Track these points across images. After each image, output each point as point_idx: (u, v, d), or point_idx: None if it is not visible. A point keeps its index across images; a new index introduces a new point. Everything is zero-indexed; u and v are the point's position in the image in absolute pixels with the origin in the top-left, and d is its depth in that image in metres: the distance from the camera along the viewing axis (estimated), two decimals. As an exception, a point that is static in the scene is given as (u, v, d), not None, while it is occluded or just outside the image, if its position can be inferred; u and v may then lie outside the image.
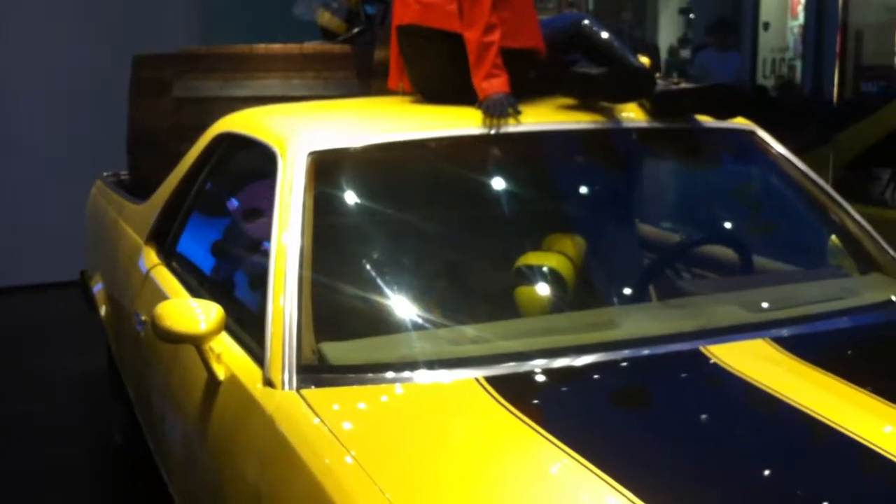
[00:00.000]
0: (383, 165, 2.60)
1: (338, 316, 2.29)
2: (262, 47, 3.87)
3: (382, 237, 2.57)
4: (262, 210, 2.64)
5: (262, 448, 2.00)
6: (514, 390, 1.98)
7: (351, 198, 2.58)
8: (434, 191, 2.73)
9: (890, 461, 1.73)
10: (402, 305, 2.35)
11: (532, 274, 2.55)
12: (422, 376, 2.05)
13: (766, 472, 1.77)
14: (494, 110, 2.61)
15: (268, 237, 2.32)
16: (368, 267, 2.48)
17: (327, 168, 2.46)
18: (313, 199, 2.36)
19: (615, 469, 1.68)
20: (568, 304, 2.50)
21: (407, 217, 2.63)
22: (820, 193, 2.79)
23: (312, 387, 2.02)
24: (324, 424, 1.88)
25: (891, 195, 5.31)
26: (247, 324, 2.36)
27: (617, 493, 1.62)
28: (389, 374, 2.05)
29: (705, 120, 2.81)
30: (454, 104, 2.73)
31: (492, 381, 2.01)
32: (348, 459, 1.76)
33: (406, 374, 2.05)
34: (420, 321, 2.29)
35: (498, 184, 2.78)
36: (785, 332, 2.25)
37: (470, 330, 2.21)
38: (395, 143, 2.56)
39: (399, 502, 1.62)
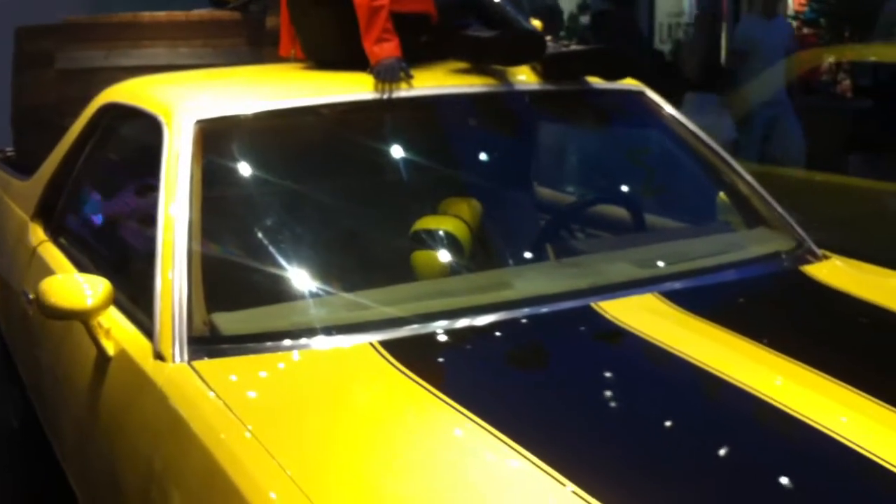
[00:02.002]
0: (274, 133, 2.57)
1: (230, 287, 2.26)
2: (147, 15, 3.78)
3: (275, 206, 2.54)
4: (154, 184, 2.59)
5: (155, 423, 1.97)
6: (409, 354, 1.99)
7: (241, 166, 2.54)
8: (327, 158, 2.70)
9: (780, 410, 1.77)
10: (295, 274, 2.33)
11: (428, 238, 2.55)
12: (315, 343, 2.04)
13: (663, 426, 1.80)
14: (386, 75, 2.59)
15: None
16: (261, 236, 2.45)
17: (215, 137, 2.42)
18: (201, 169, 2.32)
19: (513, 430, 1.69)
20: (464, 267, 2.51)
21: (299, 185, 2.60)
22: (707, 151, 2.84)
23: (205, 358, 1.99)
24: (218, 398, 1.86)
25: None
26: (137, 298, 2.31)
27: (517, 455, 1.63)
28: (282, 343, 2.04)
29: (595, 82, 2.84)
30: (346, 70, 2.70)
31: (386, 345, 2.01)
32: (246, 434, 1.73)
33: (299, 341, 2.04)
34: (314, 289, 2.27)
35: (392, 149, 2.77)
36: (673, 286, 2.31)
37: (364, 295, 2.20)
38: (285, 110, 2.52)
39: (299, 477, 1.60)
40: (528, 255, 2.60)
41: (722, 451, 1.72)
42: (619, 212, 2.94)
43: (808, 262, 2.51)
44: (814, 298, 2.40)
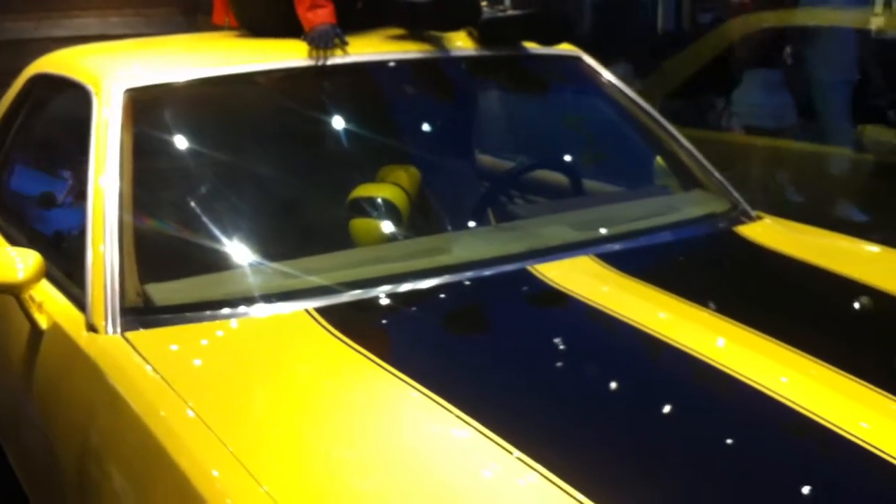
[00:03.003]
0: (206, 101, 2.54)
1: (165, 258, 2.24)
2: (78, -15, 3.70)
3: (209, 175, 2.51)
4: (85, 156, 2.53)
5: (90, 396, 1.96)
6: (346, 320, 1.99)
7: (173, 135, 2.51)
8: (261, 126, 2.67)
9: (720, 371, 1.78)
10: (230, 243, 2.31)
11: (366, 206, 2.53)
12: (250, 311, 2.03)
13: (605, 389, 1.81)
14: (320, 42, 2.57)
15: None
16: (196, 206, 2.42)
17: (146, 106, 2.38)
18: (132, 138, 2.28)
19: (454, 395, 1.69)
20: (402, 234, 2.51)
21: (234, 154, 2.57)
22: (644, 116, 2.86)
23: (139, 329, 1.97)
24: (155, 372, 1.83)
25: (726, 120, 5.51)
26: (70, 271, 2.28)
27: (459, 420, 1.62)
28: (217, 312, 2.02)
29: (532, 47, 2.83)
30: (280, 38, 2.66)
31: (323, 311, 2.01)
32: (187, 411, 1.70)
33: (233, 310, 2.03)
34: (250, 257, 2.25)
35: (328, 117, 2.75)
36: (609, 248, 2.32)
37: (301, 263, 2.19)
38: (217, 78, 2.49)
39: (241, 453, 1.56)
40: (466, 220, 2.60)
41: (664, 412, 1.73)
42: (558, 177, 2.95)
43: (743, 223, 2.54)
44: (748, 258, 2.44)
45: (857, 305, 2.14)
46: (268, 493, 1.45)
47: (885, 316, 2.11)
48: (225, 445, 1.58)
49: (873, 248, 2.52)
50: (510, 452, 1.52)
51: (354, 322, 2.01)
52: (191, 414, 1.68)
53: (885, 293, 2.14)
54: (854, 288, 2.18)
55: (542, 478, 1.46)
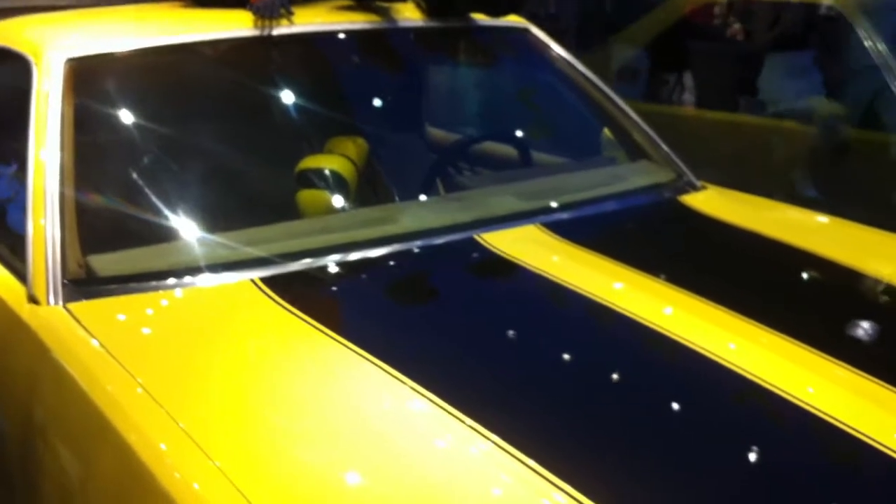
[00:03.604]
0: (150, 71, 2.48)
1: (108, 230, 2.19)
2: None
3: (153, 146, 2.46)
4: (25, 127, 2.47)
5: (32, 369, 1.91)
6: (292, 289, 1.96)
7: (116, 106, 2.45)
8: (206, 97, 2.63)
9: (669, 338, 1.78)
10: (175, 214, 2.26)
11: (313, 177, 2.51)
12: (196, 281, 2.00)
13: (555, 357, 1.80)
14: (265, 12, 2.53)
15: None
16: (140, 178, 2.37)
17: (88, 76, 2.32)
18: (73, 109, 2.23)
19: (404, 364, 1.67)
20: (350, 205, 2.48)
21: (179, 125, 2.52)
22: (592, 88, 2.86)
23: (81, 300, 1.93)
24: (101, 346, 1.78)
25: (678, 94, 5.54)
26: (13, 245, 2.23)
27: (409, 389, 1.60)
28: (161, 282, 1.99)
29: (480, 18, 2.82)
30: (226, 8, 2.62)
31: (268, 281, 1.98)
32: (136, 388, 1.65)
33: (178, 280, 1.99)
34: (194, 228, 2.22)
35: (274, 88, 2.70)
36: (555, 217, 2.32)
37: (247, 233, 2.16)
38: (161, 48, 2.44)
39: (190, 427, 1.52)
40: (414, 191, 2.58)
41: (613, 380, 1.73)
42: (506, 149, 2.94)
43: (688, 193, 2.55)
44: (693, 227, 2.45)
45: (801, 273, 2.16)
46: (220, 468, 1.41)
47: (828, 283, 2.14)
48: (173, 419, 1.54)
49: (817, 217, 2.54)
50: (462, 421, 1.50)
51: (301, 292, 1.98)
52: (138, 389, 1.64)
53: (829, 260, 2.15)
54: (798, 256, 2.19)
55: (494, 446, 1.44)
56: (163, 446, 1.51)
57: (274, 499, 1.35)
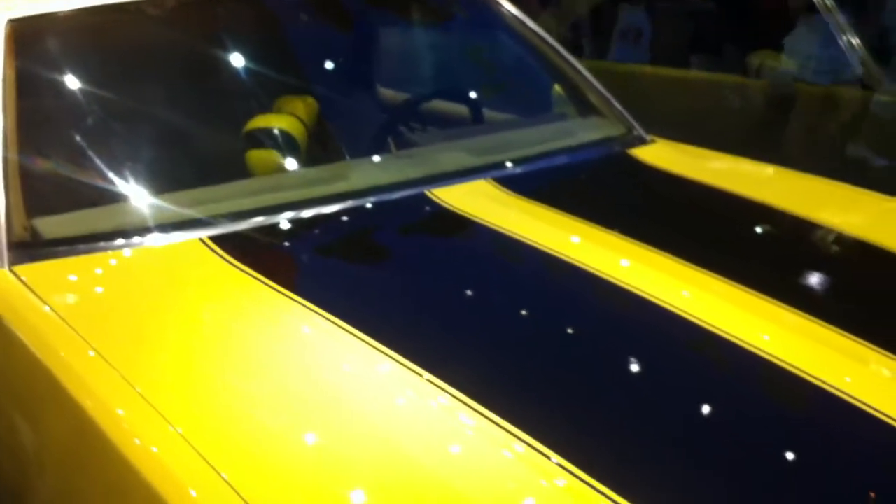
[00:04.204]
0: (94, 31, 2.41)
1: (55, 193, 2.13)
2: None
3: (99, 107, 2.39)
4: None
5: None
6: (240, 248, 1.92)
7: (60, 67, 2.38)
8: (153, 57, 2.56)
9: (624, 289, 1.77)
10: (122, 175, 2.21)
11: (262, 136, 2.47)
12: (144, 241, 1.95)
13: (512, 310, 1.78)
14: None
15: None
16: (85, 139, 2.31)
17: (30, 36, 2.25)
18: (15, 71, 2.16)
19: (359, 320, 1.63)
20: (299, 164, 2.45)
21: (125, 86, 2.45)
22: (543, 45, 2.84)
23: (27, 262, 1.88)
24: (53, 311, 1.72)
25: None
26: None
27: (365, 345, 1.57)
28: (108, 243, 1.94)
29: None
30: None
31: (217, 240, 1.94)
32: (91, 354, 1.60)
33: (126, 241, 1.95)
34: (142, 189, 2.17)
35: (222, 47, 2.63)
36: (505, 172, 2.31)
37: (195, 193, 2.12)
38: (105, 7, 2.37)
39: (147, 391, 1.48)
40: (364, 149, 2.54)
41: (570, 332, 1.72)
42: (457, 108, 2.91)
43: (638, 146, 2.55)
44: (644, 179, 2.43)
45: (753, 223, 2.15)
46: (178, 432, 1.37)
47: (780, 232, 2.14)
48: (129, 384, 1.49)
49: (766, 168, 2.54)
50: (420, 375, 1.48)
51: (251, 250, 1.95)
52: (91, 352, 1.59)
53: (780, 210, 2.16)
54: (749, 206, 2.19)
55: (452, 399, 1.42)
56: (120, 412, 1.47)
57: (235, 462, 1.32)
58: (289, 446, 1.38)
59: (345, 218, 2.11)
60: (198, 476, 1.29)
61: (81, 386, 1.53)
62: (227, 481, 1.26)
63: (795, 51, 4.44)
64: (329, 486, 1.29)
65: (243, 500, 1.23)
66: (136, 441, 1.40)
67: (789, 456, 1.37)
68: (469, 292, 1.86)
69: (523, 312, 1.78)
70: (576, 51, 4.17)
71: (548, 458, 1.30)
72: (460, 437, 1.39)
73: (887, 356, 1.55)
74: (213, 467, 1.29)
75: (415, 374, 1.49)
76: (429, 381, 1.47)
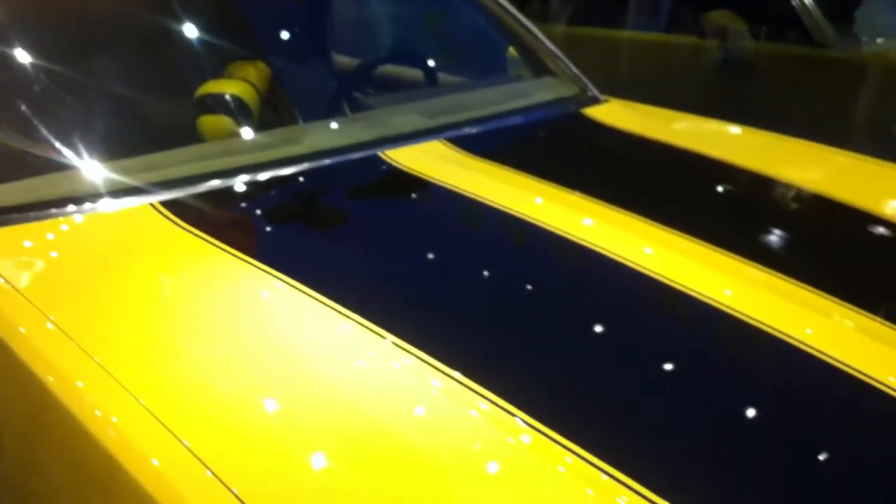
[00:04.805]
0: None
1: (3, 161, 2.07)
2: None
3: (47, 76, 2.32)
4: None
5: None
6: (193, 212, 1.88)
7: (7, 36, 2.28)
8: (103, 23, 2.48)
9: (586, 247, 1.75)
10: (72, 143, 2.14)
11: (213, 102, 2.41)
12: (96, 208, 1.89)
13: (475, 271, 1.74)
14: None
15: None
16: (34, 107, 2.23)
17: None
18: None
19: (318, 282, 1.59)
20: (252, 129, 2.39)
21: (75, 53, 2.38)
22: (495, 7, 2.81)
23: None
24: (7, 283, 1.67)
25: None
26: None
27: (326, 308, 1.53)
28: (59, 210, 1.88)
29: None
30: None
31: (169, 205, 1.89)
32: (47, 324, 1.53)
33: (78, 207, 1.89)
34: (92, 155, 2.11)
35: (172, 13, 2.55)
36: (460, 132, 2.29)
37: (146, 159, 2.05)
38: None
39: (107, 362, 1.42)
40: (317, 114, 2.50)
41: (536, 291, 1.68)
42: (412, 72, 2.88)
43: (592, 106, 2.54)
44: (598, 137, 2.42)
45: (712, 180, 2.14)
46: (140, 403, 1.32)
47: (739, 189, 2.13)
48: (88, 354, 1.43)
49: (722, 126, 2.53)
50: (384, 338, 1.45)
51: (202, 214, 1.90)
52: (49, 324, 1.52)
53: (738, 167, 2.15)
54: (708, 163, 2.19)
55: (418, 360, 1.39)
56: (80, 384, 1.41)
57: (197, 429, 1.28)
58: (252, 412, 1.34)
59: (298, 181, 2.07)
60: (160, 445, 1.25)
61: (39, 358, 1.47)
62: (189, 449, 1.22)
63: (750, 10, 4.42)
64: (293, 450, 1.25)
65: (206, 467, 1.19)
66: (98, 413, 1.34)
67: (751, 407, 1.35)
68: (430, 253, 1.82)
69: (486, 273, 1.74)
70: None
71: (514, 416, 1.28)
72: (425, 399, 1.36)
73: (849, 308, 1.54)
74: (175, 435, 1.25)
75: (378, 337, 1.45)
76: (393, 343, 1.44)
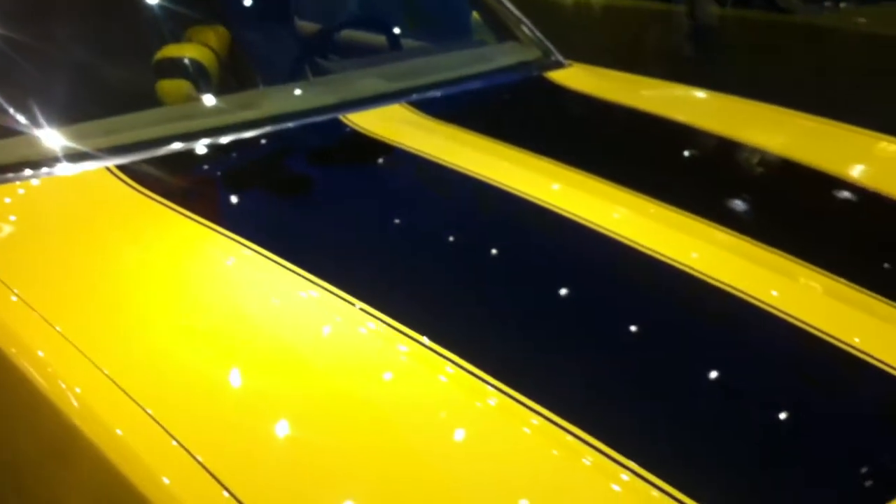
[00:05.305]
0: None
1: None
2: None
3: (3, 40, 2.27)
4: None
5: None
6: (151, 177, 1.84)
7: None
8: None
9: (553, 211, 1.72)
10: (29, 107, 2.07)
11: (172, 66, 2.35)
12: (53, 171, 1.85)
13: (441, 236, 1.72)
14: None
15: None
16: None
17: None
18: None
19: (279, 245, 1.56)
20: (211, 94, 2.34)
21: (32, 16, 2.30)
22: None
23: None
24: None
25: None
26: None
27: (291, 273, 1.50)
28: (16, 174, 1.84)
29: None
30: None
31: (125, 169, 1.85)
32: (7, 292, 1.48)
33: (34, 171, 1.85)
34: (50, 120, 2.05)
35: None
36: (421, 96, 2.25)
37: (103, 123, 2.01)
38: None
39: (69, 332, 1.38)
40: (277, 78, 2.45)
41: (504, 255, 1.66)
42: (376, 38, 2.84)
43: (555, 70, 2.51)
44: (561, 101, 2.39)
45: (678, 144, 2.12)
46: (103, 372, 1.28)
47: (704, 152, 2.12)
48: (49, 324, 1.39)
49: (683, 90, 2.52)
50: (352, 304, 1.41)
51: (161, 179, 1.86)
52: (13, 297, 1.47)
53: (702, 130, 2.14)
54: (671, 127, 2.17)
55: (384, 325, 1.36)
56: (41, 353, 1.37)
57: (162, 398, 1.24)
58: (216, 379, 1.31)
59: (258, 146, 2.03)
60: (123, 414, 1.21)
61: (4, 332, 1.42)
62: (153, 417, 1.19)
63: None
64: (259, 416, 1.22)
65: (171, 436, 1.16)
66: (61, 384, 1.30)
67: (717, 368, 1.34)
68: (395, 218, 1.79)
69: (453, 238, 1.72)
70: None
71: (481, 379, 1.25)
72: (393, 363, 1.33)
73: (814, 270, 1.53)
74: (138, 404, 1.22)
75: (345, 303, 1.42)
76: (361, 309, 1.40)
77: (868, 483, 1.16)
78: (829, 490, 1.14)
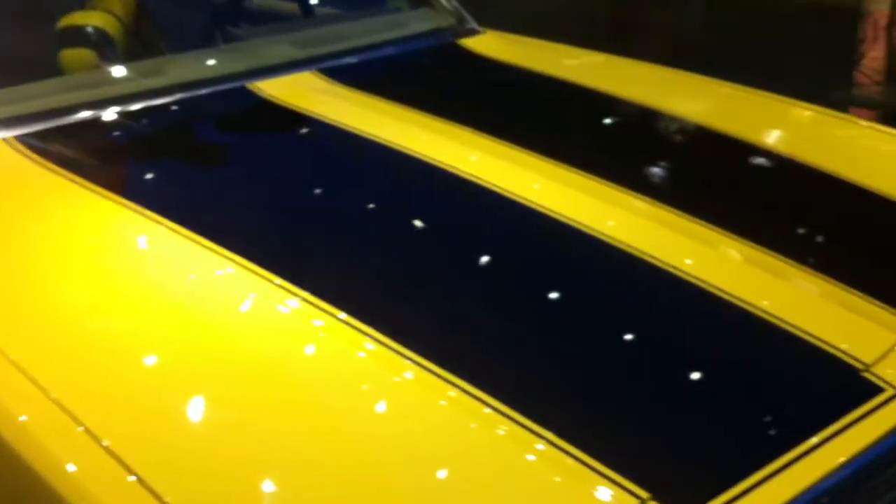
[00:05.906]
0: None
1: None
2: None
3: None
4: None
5: None
6: (51, 148, 1.75)
7: None
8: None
9: (470, 181, 1.69)
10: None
11: (75, 35, 2.25)
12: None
13: (357, 204, 1.66)
14: None
15: None
16: None
17: None
18: None
19: (189, 219, 1.50)
20: (116, 62, 2.26)
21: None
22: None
23: None
24: None
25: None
26: None
27: (202, 246, 1.44)
28: None
29: None
30: None
31: (24, 140, 1.77)
32: None
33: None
34: None
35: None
36: (331, 63, 2.19)
37: (1, 92, 1.92)
38: None
39: None
40: (185, 45, 2.37)
41: (423, 226, 1.63)
42: (288, 4, 2.77)
43: (468, 37, 2.47)
44: (474, 68, 2.35)
45: (592, 111, 2.10)
46: (11, 359, 1.21)
47: (620, 119, 2.10)
48: None
49: (598, 57, 2.50)
50: (271, 281, 1.36)
51: (61, 150, 1.78)
52: None
53: (618, 97, 2.11)
54: (587, 94, 2.14)
55: (301, 300, 1.32)
56: None
57: (67, 382, 1.18)
58: (126, 359, 1.24)
59: (161, 115, 1.96)
60: (25, 399, 1.15)
61: None
62: (57, 402, 1.13)
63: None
64: (172, 396, 1.17)
65: (77, 421, 1.10)
66: None
67: (631, 336, 1.34)
68: (309, 189, 1.73)
69: (370, 208, 1.67)
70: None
71: (400, 354, 1.22)
72: (311, 339, 1.29)
73: (730, 237, 1.53)
74: (41, 389, 1.15)
75: (263, 280, 1.36)
76: (279, 285, 1.35)
77: (771, 432, 1.18)
78: (728, 438, 1.16)
